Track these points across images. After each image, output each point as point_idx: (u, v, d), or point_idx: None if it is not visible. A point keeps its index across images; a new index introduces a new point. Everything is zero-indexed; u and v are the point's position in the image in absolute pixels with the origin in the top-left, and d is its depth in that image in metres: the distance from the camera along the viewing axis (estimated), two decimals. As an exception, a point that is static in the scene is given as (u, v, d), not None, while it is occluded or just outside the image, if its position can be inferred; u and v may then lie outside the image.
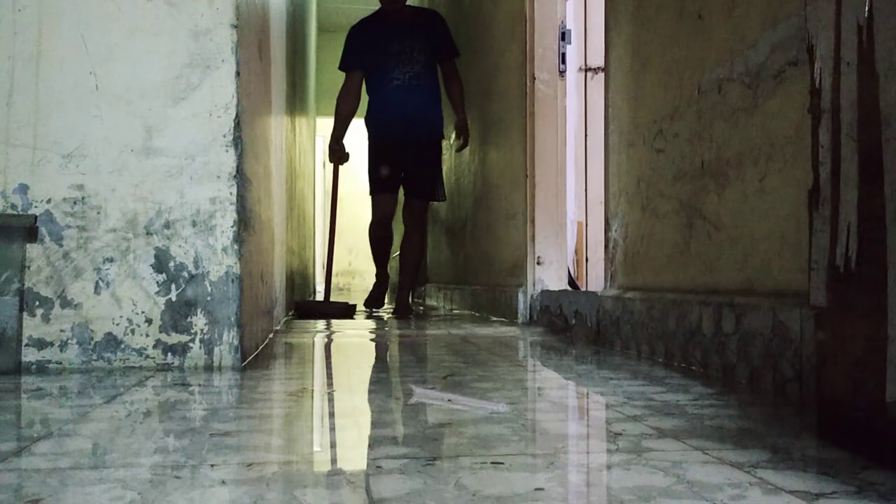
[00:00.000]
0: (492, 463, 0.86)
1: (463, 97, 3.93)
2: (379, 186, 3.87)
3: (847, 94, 0.94)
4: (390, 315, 3.85)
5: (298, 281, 4.87)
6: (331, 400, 1.39)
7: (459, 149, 4.08)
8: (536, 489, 0.76)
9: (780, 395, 1.36)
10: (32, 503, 0.71)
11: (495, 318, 3.50)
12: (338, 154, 3.94)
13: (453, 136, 4.21)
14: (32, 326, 1.67)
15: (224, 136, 1.75)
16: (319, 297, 7.00)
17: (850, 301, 0.94)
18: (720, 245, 1.69)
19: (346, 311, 3.71)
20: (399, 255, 4.07)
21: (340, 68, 3.85)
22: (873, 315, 0.89)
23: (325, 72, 7.16)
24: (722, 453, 0.92)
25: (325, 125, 7.44)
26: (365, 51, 3.79)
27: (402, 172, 3.86)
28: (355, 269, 11.04)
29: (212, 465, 0.85)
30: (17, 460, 0.88)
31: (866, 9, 0.89)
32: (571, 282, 3.20)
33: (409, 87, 3.78)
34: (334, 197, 4.08)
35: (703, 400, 1.31)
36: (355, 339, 2.61)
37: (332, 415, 1.26)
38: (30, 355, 1.67)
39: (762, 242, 1.53)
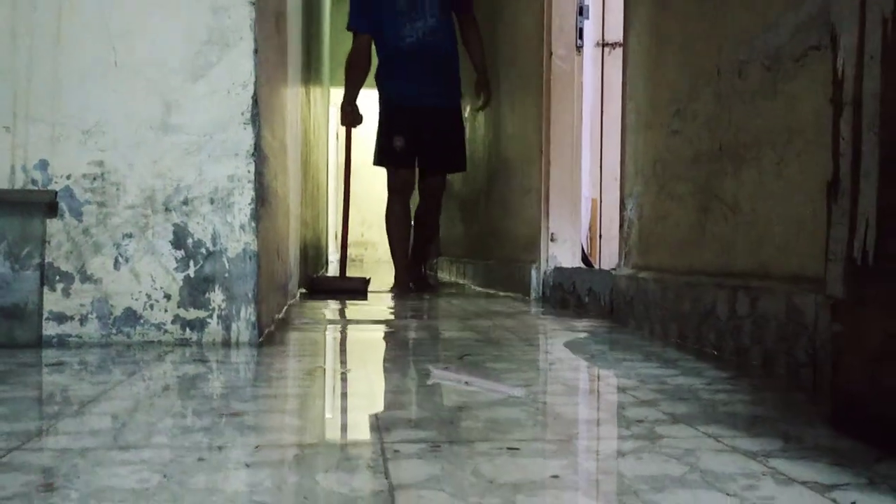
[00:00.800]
0: (507, 448, 0.87)
1: (483, 52, 3.63)
2: (395, 160, 3.55)
3: (870, 88, 0.94)
4: (408, 289, 3.66)
5: (311, 253, 4.90)
6: (345, 379, 1.41)
7: (480, 108, 3.82)
8: (552, 476, 0.77)
9: (793, 379, 1.37)
10: (46, 486, 0.73)
11: (508, 294, 3.51)
12: (350, 117, 3.67)
13: (468, 104, 4.14)
14: (53, 301, 1.70)
15: (242, 114, 1.76)
16: (333, 268, 7.01)
17: (867, 294, 0.95)
18: (736, 228, 1.69)
19: (362, 288, 3.52)
20: (413, 224, 3.79)
21: (348, 28, 3.60)
22: (890, 309, 0.89)
23: (338, 40, 7.13)
24: (735, 441, 0.93)
25: (339, 94, 7.44)
26: (372, 7, 3.47)
27: (419, 142, 3.53)
28: (367, 241, 11.06)
29: (233, 447, 0.87)
30: (43, 439, 0.90)
31: (893, 2, 0.89)
32: (585, 258, 3.20)
33: (423, 44, 3.44)
34: (347, 163, 3.80)
35: (717, 384, 1.32)
36: (369, 315, 2.63)
37: (347, 395, 1.28)
38: (50, 329, 1.70)
39: (778, 226, 1.53)
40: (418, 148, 3.57)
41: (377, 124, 3.65)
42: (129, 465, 0.80)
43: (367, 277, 3.67)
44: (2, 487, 0.72)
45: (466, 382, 1.19)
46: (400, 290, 3.62)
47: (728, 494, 0.73)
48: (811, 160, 1.42)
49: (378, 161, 3.64)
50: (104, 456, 0.83)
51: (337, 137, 10.08)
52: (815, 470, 0.82)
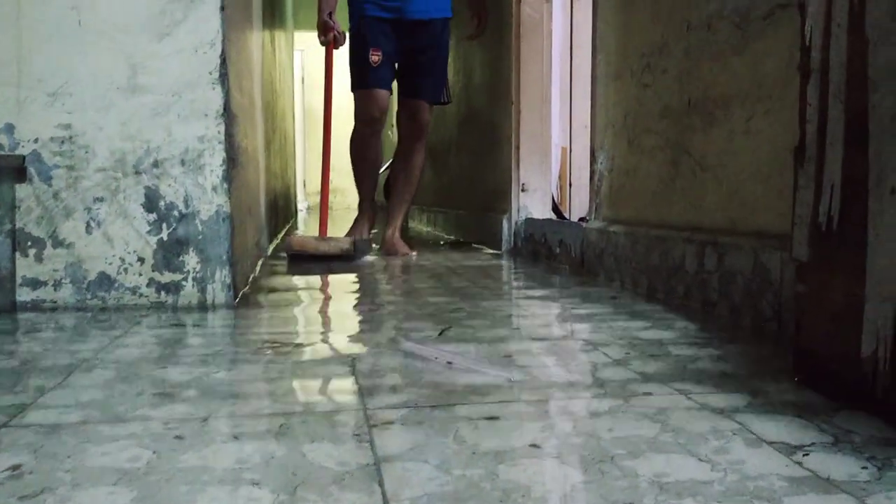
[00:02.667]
0: (487, 418, 0.90)
1: None
2: (369, 79, 3.00)
3: (837, 56, 0.96)
4: (380, 255, 3.11)
5: (281, 203, 4.87)
6: (324, 342, 1.43)
7: (472, 37, 3.32)
8: (531, 445, 0.81)
9: (758, 333, 1.42)
10: (13, 469, 0.75)
11: (479, 245, 3.54)
12: (330, 32, 3.03)
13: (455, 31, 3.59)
14: (26, 266, 1.69)
15: (210, 74, 1.73)
16: (301, 217, 6.96)
17: (831, 258, 0.98)
18: (705, 183, 1.72)
19: (350, 251, 2.87)
20: (391, 173, 3.29)
21: None
22: (852, 273, 0.93)
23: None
24: (705, 398, 0.97)
25: (303, 39, 7.29)
26: None
27: (399, 62, 3.08)
28: (336, 187, 10.96)
29: (220, 418, 0.89)
30: (29, 415, 0.91)
31: (860, -27, 0.90)
32: (555, 208, 3.23)
33: None
34: (328, 96, 3.05)
35: (686, 338, 1.36)
36: (343, 272, 2.64)
37: (327, 360, 1.30)
38: (24, 295, 1.69)
39: (746, 183, 1.56)
40: (401, 67, 3.09)
41: (349, 44, 3.12)
42: (119, 440, 0.81)
43: (353, 238, 2.99)
44: (-5, 469, 0.73)
45: (449, 363, 1.15)
46: (357, 235, 3.12)
47: (700, 459, 0.76)
48: (778, 118, 1.45)
49: (358, 85, 3.08)
50: (92, 431, 0.85)
51: (303, 81, 9.93)
52: (782, 427, 0.86)
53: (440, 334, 1.32)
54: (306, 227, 5.71)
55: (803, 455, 0.77)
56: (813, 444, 0.81)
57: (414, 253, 3.14)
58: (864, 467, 0.74)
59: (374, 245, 3.29)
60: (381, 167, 3.41)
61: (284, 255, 2.89)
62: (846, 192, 0.95)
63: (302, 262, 2.72)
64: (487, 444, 0.80)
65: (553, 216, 3.12)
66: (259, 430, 0.85)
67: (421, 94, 3.14)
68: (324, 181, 3.09)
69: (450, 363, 1.13)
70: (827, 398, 0.97)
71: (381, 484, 0.70)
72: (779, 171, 1.44)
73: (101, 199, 1.71)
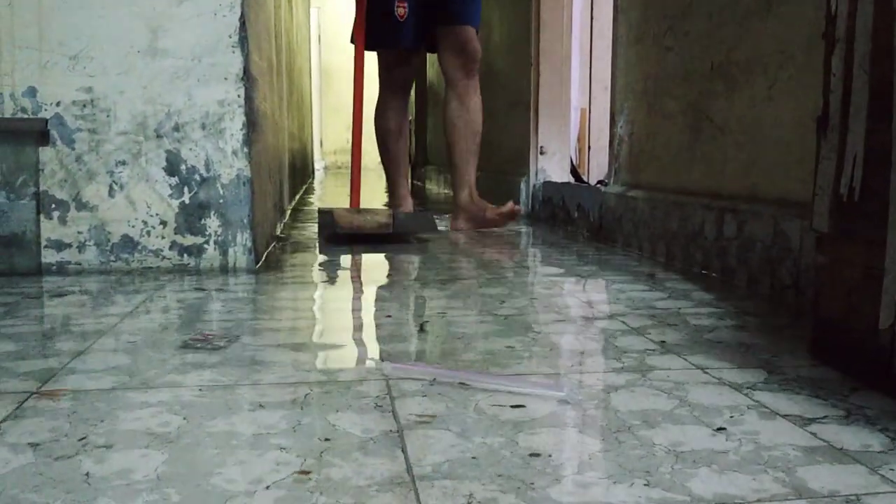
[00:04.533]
0: (506, 391, 0.92)
1: None
2: (394, 37, 2.57)
3: (862, 26, 0.94)
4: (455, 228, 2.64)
5: (299, 164, 4.88)
6: (344, 309, 1.45)
7: None
8: (550, 413, 0.82)
9: (776, 301, 1.42)
10: (72, 432, 0.77)
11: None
12: None
13: None
14: (50, 228, 1.71)
15: (230, 37, 1.73)
16: (318, 176, 6.94)
17: (852, 230, 0.98)
18: (725, 149, 1.71)
19: (389, 225, 2.33)
20: (446, 125, 2.72)
21: None
22: (872, 246, 0.93)
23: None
24: (721, 373, 0.98)
25: (321, -3, 7.24)
26: None
27: (430, 7, 2.58)
28: (353, 146, 10.96)
29: (246, 385, 0.91)
30: (60, 380, 0.94)
31: (890, -57, 0.88)
32: (574, 170, 3.22)
33: None
34: (359, 49, 2.53)
35: (703, 307, 1.37)
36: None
37: (348, 327, 1.32)
38: (49, 257, 1.72)
39: (768, 150, 1.55)
40: (428, 16, 2.60)
41: None
42: (150, 406, 0.84)
43: (391, 211, 2.52)
44: (31, 433, 0.76)
45: (462, 383, 0.92)
46: (400, 208, 2.71)
47: (714, 430, 0.78)
48: (802, 85, 1.43)
49: (371, 43, 2.59)
50: (123, 397, 0.87)
51: (319, 40, 9.86)
52: (796, 402, 0.87)
53: (420, 329, 1.20)
54: (323, 187, 5.72)
55: (817, 426, 0.78)
56: (826, 416, 0.82)
57: (519, 207, 2.64)
58: (877, 438, 0.75)
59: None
60: (408, 147, 2.94)
61: (320, 233, 2.47)
62: (869, 164, 0.95)
63: (341, 242, 2.30)
64: (507, 415, 0.82)
65: (571, 179, 3.11)
66: (284, 399, 0.87)
67: (466, 19, 2.59)
68: (355, 142, 2.61)
69: (462, 383, 0.92)
70: (843, 373, 0.98)
71: (403, 450, 0.72)
72: (800, 138, 1.43)
73: (123, 163, 1.72)
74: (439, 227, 2.47)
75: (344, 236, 2.29)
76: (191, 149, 1.74)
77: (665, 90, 2.01)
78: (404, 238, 2.33)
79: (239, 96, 1.75)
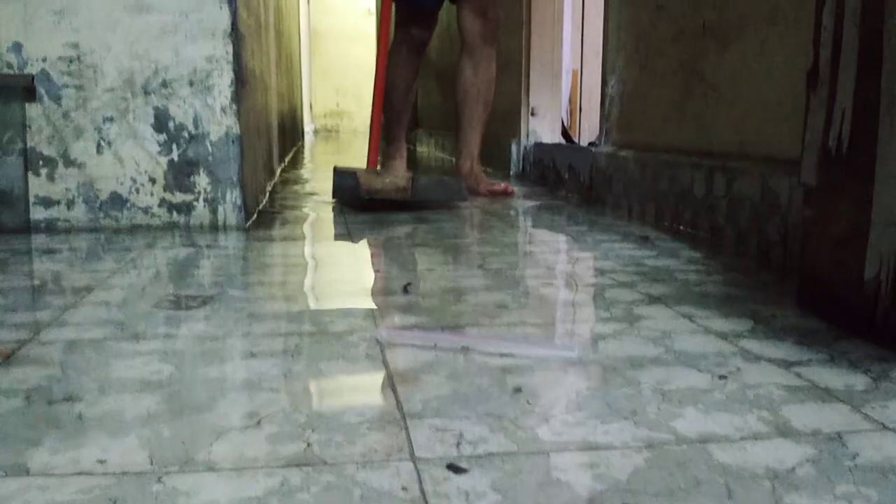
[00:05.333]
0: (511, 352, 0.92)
1: None
2: None
3: (855, -23, 0.94)
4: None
5: (289, 125, 4.85)
6: (334, 264, 1.45)
7: None
8: (538, 359, 0.83)
9: (764, 259, 1.44)
10: (63, 379, 0.78)
11: (488, 170, 3.53)
12: None
13: None
14: (38, 185, 1.70)
15: (218, -8, 1.71)
16: (308, 140, 6.86)
17: (839, 183, 0.99)
18: (717, 108, 1.71)
19: (408, 189, 2.15)
20: (457, 92, 2.60)
21: None
22: (859, 199, 0.94)
23: None
24: (708, 322, 0.99)
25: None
26: None
27: None
28: (343, 110, 10.91)
29: (237, 336, 0.92)
30: (52, 331, 0.94)
31: None
32: (565, 132, 3.21)
33: None
34: (386, 6, 2.32)
35: (692, 264, 1.38)
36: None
37: (337, 280, 1.32)
38: (38, 214, 1.71)
39: (758, 107, 1.55)
40: None
41: None
42: (142, 355, 0.84)
43: (410, 174, 2.26)
44: (22, 381, 0.76)
45: (465, 347, 0.88)
46: (379, 167, 2.40)
47: (699, 370, 0.79)
48: (793, 41, 1.43)
49: None
50: (114, 347, 0.88)
51: (308, 1, 9.73)
52: (781, 348, 0.88)
53: (404, 290, 1.17)
54: (313, 152, 5.69)
55: (801, 368, 0.80)
56: (810, 360, 0.83)
57: (513, 189, 2.56)
58: (860, 379, 0.76)
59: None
60: (412, 102, 2.76)
61: (336, 197, 2.30)
62: (857, 119, 0.95)
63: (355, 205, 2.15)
64: (496, 362, 0.83)
65: (562, 141, 3.10)
66: (275, 349, 0.88)
67: None
68: (376, 98, 2.34)
69: (465, 347, 0.88)
70: (828, 323, 0.99)
71: (394, 390, 0.72)
72: (791, 95, 1.43)
73: (110, 119, 1.71)
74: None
75: (360, 200, 2.12)
76: (179, 105, 1.73)
77: (657, 49, 2.00)
78: (425, 206, 2.16)
79: (227, 52, 1.73)
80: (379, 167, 2.36)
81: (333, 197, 2.31)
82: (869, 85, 0.93)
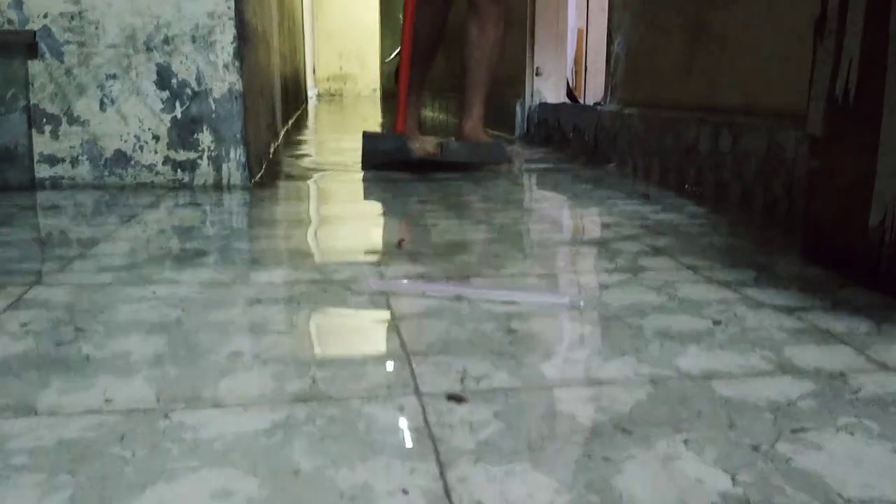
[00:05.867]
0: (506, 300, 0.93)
1: None
2: None
3: (865, -79, 0.93)
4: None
5: (292, 88, 4.82)
6: (338, 221, 1.45)
7: None
8: (541, 306, 0.84)
9: (768, 214, 1.43)
10: (47, 321, 0.78)
11: (492, 131, 3.52)
12: None
13: None
14: (43, 143, 1.70)
15: (219, -54, 1.69)
16: (312, 104, 6.81)
17: (845, 133, 0.98)
18: (723, 63, 1.70)
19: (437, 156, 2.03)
20: (462, 51, 2.45)
21: None
22: (865, 148, 0.93)
23: None
24: (711, 272, 1.00)
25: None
26: None
27: None
28: (346, 74, 10.84)
29: (242, 284, 0.93)
30: (58, 278, 0.95)
31: None
32: (570, 93, 3.19)
33: None
34: None
35: (696, 219, 1.38)
36: (356, 149, 2.64)
37: (341, 235, 1.32)
38: (42, 171, 1.71)
39: (765, 62, 1.54)
40: None
41: None
42: (149, 300, 0.85)
43: (439, 139, 2.16)
44: (30, 323, 0.77)
45: (458, 296, 0.87)
46: (405, 136, 2.20)
47: (702, 317, 0.79)
48: (801, -6, 1.41)
49: None
50: (121, 292, 0.88)
51: (310, -35, 9.61)
52: (784, 296, 0.88)
53: (398, 246, 1.16)
54: (316, 116, 5.67)
55: (805, 314, 0.80)
56: (814, 306, 0.83)
57: (525, 152, 2.51)
58: (863, 323, 0.77)
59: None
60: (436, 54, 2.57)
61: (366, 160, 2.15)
62: (864, 68, 0.94)
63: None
64: (500, 309, 0.83)
65: (567, 101, 3.08)
66: (280, 296, 0.88)
67: None
68: (404, 57, 2.22)
69: (459, 297, 0.87)
70: (832, 272, 0.99)
71: (399, 334, 0.73)
72: (799, 48, 1.42)
73: (113, 77, 1.70)
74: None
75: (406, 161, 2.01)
76: (181, 62, 1.72)
77: (663, 5, 1.98)
78: (462, 168, 2.05)
79: (229, 8, 1.72)
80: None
81: (364, 163, 2.15)
82: (876, 33, 0.92)
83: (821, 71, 1.03)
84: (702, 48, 1.78)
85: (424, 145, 2.07)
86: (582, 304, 0.85)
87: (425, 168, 2.02)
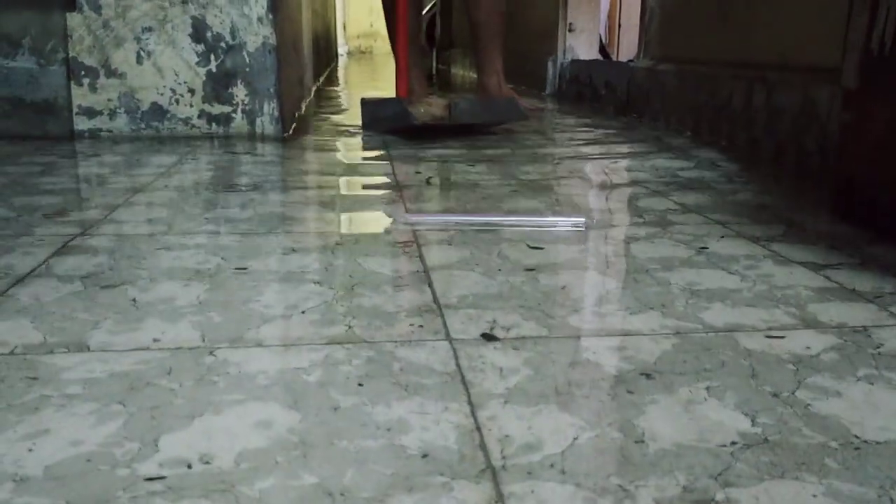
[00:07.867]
0: (530, 241, 0.94)
1: None
2: None
3: None
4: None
5: (323, 44, 4.81)
6: (370, 171, 1.47)
7: None
8: (570, 259, 0.85)
9: (801, 170, 1.43)
10: (93, 267, 0.81)
11: (523, 88, 3.49)
12: None
13: None
14: (81, 95, 1.74)
15: None
16: (343, 61, 6.78)
17: (880, 84, 0.98)
18: (759, 17, 1.67)
19: (445, 119, 1.91)
20: (469, 8, 2.41)
21: None
22: (900, 102, 0.93)
23: None
24: (741, 227, 1.00)
25: None
26: None
27: None
28: (377, 31, 10.75)
29: (279, 234, 0.95)
30: (102, 227, 0.98)
31: None
32: (602, 50, 3.16)
33: None
34: None
35: (727, 176, 1.38)
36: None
37: (378, 186, 1.34)
38: (81, 124, 1.75)
39: (800, 16, 1.52)
40: None
41: None
42: (189, 248, 0.88)
43: (447, 101, 1.98)
44: (77, 268, 0.80)
45: (487, 223, 0.97)
46: (409, 100, 2.02)
47: (730, 273, 0.80)
48: (842, -53, 1.39)
49: None
50: (162, 240, 0.91)
51: (342, -83, 9.50)
52: (812, 252, 0.89)
53: (427, 182, 1.18)
54: (346, 73, 5.65)
55: (831, 271, 0.81)
56: (841, 263, 0.84)
57: (543, 106, 2.45)
58: (890, 282, 0.77)
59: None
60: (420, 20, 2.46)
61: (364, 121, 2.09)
62: (903, 20, 0.93)
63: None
64: (530, 261, 0.85)
65: (600, 58, 3.05)
66: (315, 245, 0.91)
67: None
68: (399, 16, 2.10)
69: (487, 223, 0.96)
70: (863, 228, 1.00)
71: (430, 286, 0.75)
72: (834, 2, 1.39)
73: (149, 29, 1.72)
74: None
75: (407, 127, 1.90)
76: (216, 15, 1.73)
77: (699, -42, 1.95)
78: (473, 130, 1.98)
79: (263, -39, 1.72)
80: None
81: (364, 129, 2.07)
82: (917, -15, 0.90)
83: (857, 23, 1.02)
84: (737, 2, 1.76)
85: (431, 109, 1.93)
86: (594, 221, 0.94)
87: (436, 133, 1.90)
